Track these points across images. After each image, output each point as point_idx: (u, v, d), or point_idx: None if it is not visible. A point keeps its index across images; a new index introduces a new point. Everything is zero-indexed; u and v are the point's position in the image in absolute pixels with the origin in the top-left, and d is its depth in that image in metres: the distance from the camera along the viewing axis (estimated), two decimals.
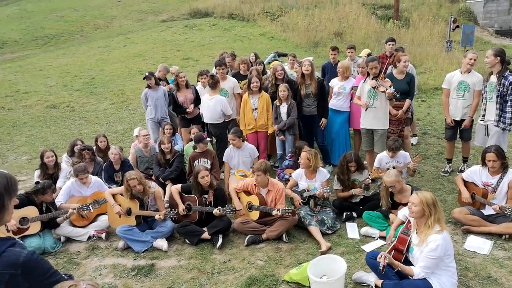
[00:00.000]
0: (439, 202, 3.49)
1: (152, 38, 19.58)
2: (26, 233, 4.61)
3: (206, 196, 4.91)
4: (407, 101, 5.90)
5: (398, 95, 5.44)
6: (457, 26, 15.11)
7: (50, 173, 5.67)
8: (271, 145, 6.75)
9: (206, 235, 4.66)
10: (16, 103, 12.34)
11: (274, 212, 4.56)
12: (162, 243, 4.61)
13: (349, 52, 7.70)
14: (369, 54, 7.89)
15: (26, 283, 1.60)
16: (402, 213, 4.02)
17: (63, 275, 1.75)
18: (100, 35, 22.56)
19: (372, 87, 5.55)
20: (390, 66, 7.04)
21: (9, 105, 12.23)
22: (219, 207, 4.73)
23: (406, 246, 3.55)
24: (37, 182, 5.20)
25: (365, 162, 5.87)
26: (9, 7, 30.11)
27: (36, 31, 23.15)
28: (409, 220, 3.67)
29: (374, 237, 4.57)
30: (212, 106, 6.24)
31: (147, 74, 6.95)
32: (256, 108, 6.23)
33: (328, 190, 4.89)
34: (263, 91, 6.30)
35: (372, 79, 5.61)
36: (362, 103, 5.68)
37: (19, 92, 13.28)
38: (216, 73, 6.67)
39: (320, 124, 6.11)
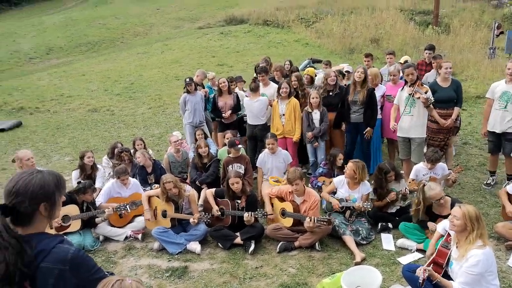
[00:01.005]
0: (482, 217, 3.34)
1: (188, 44, 20.03)
2: (67, 230, 4.82)
3: (239, 201, 4.95)
4: (456, 109, 5.69)
5: (433, 101, 5.28)
6: (502, 32, 14.45)
7: (88, 174, 5.89)
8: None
9: (238, 240, 4.69)
10: (60, 106, 12.96)
11: (307, 221, 4.49)
12: (195, 246, 4.69)
13: (388, 58, 7.56)
14: (406, 61, 7.70)
15: (73, 278, 1.67)
16: (442, 226, 3.88)
17: (106, 272, 1.82)
18: (139, 42, 23.34)
19: (408, 94, 5.43)
20: (428, 73, 6.87)
21: (54, 108, 12.87)
22: (250, 211, 4.75)
23: (446, 260, 3.42)
24: (78, 182, 5.45)
25: (401, 172, 5.72)
26: (55, 15, 31.77)
27: (80, 38, 24.26)
28: (449, 233, 3.53)
29: (411, 250, 4.44)
30: (257, 107, 6.35)
31: (187, 80, 7.11)
32: (284, 114, 6.24)
33: (369, 206, 4.77)
34: (292, 97, 6.30)
35: (409, 86, 5.48)
36: (391, 125, 5.63)
37: (63, 96, 13.94)
38: (257, 77, 6.79)
39: (364, 132, 5.98)
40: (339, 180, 5.08)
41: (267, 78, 6.83)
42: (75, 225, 4.86)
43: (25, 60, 21.36)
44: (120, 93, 13.83)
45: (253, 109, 6.41)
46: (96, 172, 5.91)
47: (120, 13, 29.21)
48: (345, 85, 6.72)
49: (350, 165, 4.90)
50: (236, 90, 7.29)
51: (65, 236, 1.81)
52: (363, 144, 6.17)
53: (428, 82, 6.51)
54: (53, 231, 4.58)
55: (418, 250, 4.39)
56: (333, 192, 5.09)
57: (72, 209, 4.84)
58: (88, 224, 5.02)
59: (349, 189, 4.97)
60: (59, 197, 1.77)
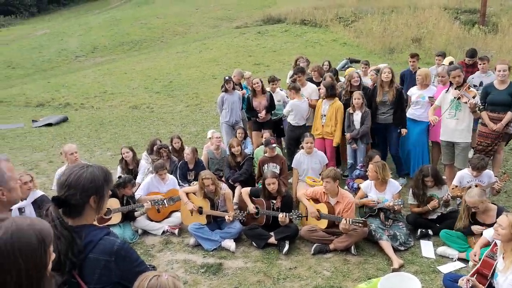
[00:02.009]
0: None
1: (226, 44, 20.24)
2: (108, 223, 5.01)
3: (274, 201, 4.95)
4: (508, 114, 5.39)
5: (481, 107, 5.05)
6: None
7: (130, 169, 6.12)
8: (342, 153, 6.63)
9: (272, 239, 4.69)
10: (103, 103, 13.50)
11: (342, 222, 4.43)
12: (230, 244, 4.74)
13: (437, 60, 7.32)
14: (451, 63, 7.39)
15: (117, 270, 1.74)
16: (489, 233, 3.70)
17: (148, 266, 1.88)
18: (178, 41, 23.85)
19: (454, 97, 5.21)
20: (474, 75, 6.57)
21: (97, 104, 13.43)
22: (284, 212, 4.74)
23: (491, 271, 3.26)
24: (119, 177, 5.66)
25: (444, 177, 5.51)
26: (101, 15, 33.11)
27: (122, 37, 25.13)
28: (495, 242, 3.37)
29: (452, 258, 4.26)
30: (305, 108, 6.38)
31: (227, 77, 7.19)
32: (325, 115, 6.18)
33: (400, 203, 4.66)
34: (336, 98, 6.21)
35: (455, 88, 5.27)
36: (430, 119, 5.44)
37: (106, 93, 14.51)
38: (293, 77, 6.82)
39: (398, 133, 5.85)
40: (367, 185, 5.00)
41: (304, 79, 6.79)
42: (116, 218, 5.05)
43: (72, 58, 22.41)
44: (160, 91, 14.20)
45: (301, 110, 6.39)
46: (138, 167, 6.11)
47: (161, 13, 29.97)
48: (373, 85, 6.55)
49: (370, 167, 4.87)
50: (277, 90, 7.28)
51: (111, 229, 1.89)
52: (391, 147, 6.04)
53: (474, 85, 6.23)
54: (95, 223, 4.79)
55: (460, 259, 4.22)
56: (365, 197, 5.00)
57: (113, 203, 5.03)
58: (128, 217, 5.20)
59: (377, 191, 4.87)
60: (107, 191, 1.86)
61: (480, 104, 5.06)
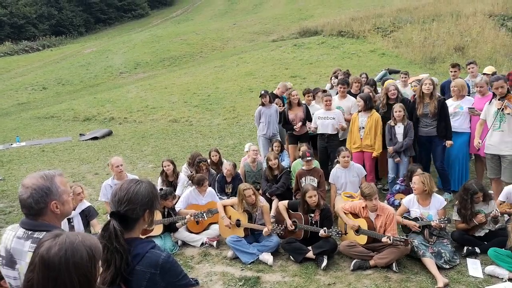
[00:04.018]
0: None
1: (262, 57, 20.50)
2: (151, 234, 5.17)
3: (312, 215, 4.92)
4: None
5: None
6: None
7: (170, 181, 6.30)
8: (381, 167, 6.48)
9: (310, 254, 4.64)
10: (145, 117, 14.05)
11: (384, 239, 4.34)
12: (267, 257, 4.74)
13: (469, 69, 7.05)
14: (494, 73, 7.07)
15: (162, 282, 1.81)
16: None
17: (191, 279, 1.94)
18: (216, 56, 24.47)
19: (498, 108, 4.99)
20: None
21: (139, 118, 14.00)
22: (325, 228, 4.69)
23: None
24: (160, 189, 5.84)
25: (490, 192, 5.25)
26: (143, 33, 34.68)
27: (163, 53, 26.16)
28: None
29: (502, 279, 4.03)
30: (330, 119, 6.36)
31: (262, 92, 7.29)
32: (363, 127, 6.09)
33: (446, 221, 4.48)
34: (373, 110, 6.13)
35: (498, 99, 5.04)
36: (475, 142, 5.26)
37: (148, 107, 15.10)
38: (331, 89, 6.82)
39: (443, 146, 5.66)
40: (409, 200, 4.83)
41: (346, 91, 6.77)
42: (158, 229, 5.21)
43: (116, 74, 23.57)
44: (198, 105, 14.58)
45: (325, 120, 6.41)
46: (178, 180, 6.28)
47: (200, 29, 30.93)
48: (413, 96, 6.38)
49: (416, 178, 4.67)
50: (313, 102, 7.29)
51: (156, 243, 1.97)
52: (437, 161, 5.82)
53: None
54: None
55: (510, 280, 3.98)
56: (406, 213, 4.84)
57: (155, 214, 5.19)
58: (169, 228, 5.34)
59: (420, 206, 4.70)
60: (157, 205, 1.96)
61: None
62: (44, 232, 1.86)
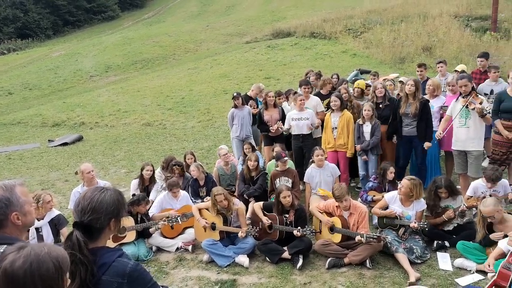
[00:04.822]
0: None
1: (236, 59, 20.48)
2: (123, 241, 5.06)
3: (287, 215, 4.94)
4: None
5: (487, 112, 5.04)
6: None
7: (146, 185, 6.17)
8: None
9: (286, 254, 4.66)
10: (117, 121, 13.75)
11: (357, 238, 4.41)
12: (243, 259, 4.73)
13: (438, 68, 7.27)
14: (462, 71, 7.34)
15: None
16: (504, 243, 3.62)
17: (161, 286, 1.90)
18: (190, 58, 24.24)
19: (463, 105, 5.18)
20: (483, 83, 6.51)
21: (111, 123, 13.68)
22: (299, 227, 4.72)
23: (509, 282, 3.19)
24: (133, 195, 5.73)
25: (458, 187, 5.43)
26: (114, 35, 33.94)
27: (135, 56, 25.68)
28: (511, 252, 3.30)
29: (470, 271, 4.17)
30: (304, 120, 6.37)
31: (235, 94, 7.27)
32: (336, 127, 6.17)
33: (425, 226, 4.59)
34: (345, 110, 6.22)
35: (463, 97, 5.24)
36: (437, 133, 5.44)
37: (120, 111, 14.79)
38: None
39: (423, 146, 5.77)
40: (391, 196, 4.91)
41: (309, 91, 6.82)
42: (130, 236, 5.10)
43: (86, 78, 22.95)
44: (172, 108, 14.40)
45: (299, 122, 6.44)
46: (153, 185, 6.17)
47: (172, 31, 30.58)
48: (398, 95, 6.54)
49: (406, 182, 4.70)
50: (285, 104, 7.32)
51: (124, 251, 1.92)
52: (417, 159, 5.94)
53: (485, 94, 6.18)
54: (110, 242, 4.84)
55: (478, 271, 4.12)
56: (385, 209, 4.92)
57: (127, 221, 5.09)
58: (142, 234, 5.24)
59: (402, 205, 4.79)
60: (123, 213, 1.91)
61: (486, 109, 5.02)
62: (5, 246, 1.78)
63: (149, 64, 24.35)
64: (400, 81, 7.17)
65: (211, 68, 19.69)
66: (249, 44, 24.14)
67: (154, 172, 6.24)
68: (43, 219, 4.87)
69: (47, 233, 4.87)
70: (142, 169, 6.14)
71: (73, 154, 10.51)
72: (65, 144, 11.54)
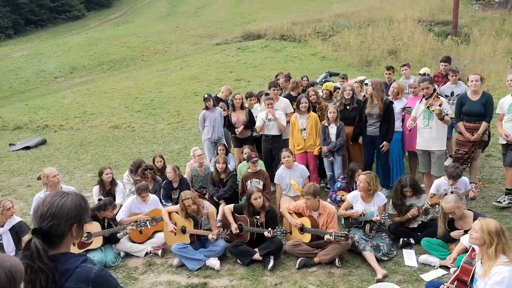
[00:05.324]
0: (506, 232, 3.24)
1: (206, 60, 20.37)
2: (89, 247, 4.91)
3: (258, 217, 4.95)
4: (483, 124, 5.55)
5: (444, 114, 5.28)
6: None
7: (107, 189, 5.98)
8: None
9: (257, 256, 4.67)
10: (83, 124, 13.34)
11: (326, 237, 4.48)
12: (214, 262, 4.70)
13: (403, 70, 7.52)
14: (425, 74, 7.63)
15: None
16: (466, 239, 3.78)
17: None
18: (159, 59, 23.87)
19: (425, 106, 5.39)
20: (443, 86, 6.79)
21: (77, 125, 13.26)
22: (269, 229, 4.75)
23: (470, 276, 3.33)
24: (99, 199, 5.56)
25: (422, 185, 5.63)
26: (79, 36, 32.94)
27: (102, 57, 25.02)
28: (473, 248, 3.45)
29: (434, 266, 4.33)
30: (274, 121, 6.41)
31: (206, 95, 7.22)
32: (304, 129, 6.25)
33: (387, 217, 4.73)
34: (311, 111, 6.32)
35: (426, 99, 5.45)
36: (408, 122, 5.62)
37: (86, 113, 14.36)
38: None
39: (381, 146, 5.93)
40: (353, 196, 5.04)
41: (278, 93, 6.88)
42: (97, 241, 4.95)
43: (50, 79, 22.15)
44: (141, 110, 14.13)
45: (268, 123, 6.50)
46: (115, 187, 6.00)
47: (141, 32, 30.02)
48: (364, 97, 6.70)
49: (363, 177, 4.87)
50: (256, 105, 7.34)
51: (88, 255, 1.86)
52: (380, 158, 6.12)
53: (446, 95, 6.44)
54: (75, 249, 4.68)
55: (441, 267, 4.28)
56: (349, 209, 5.04)
57: (94, 226, 4.94)
58: (110, 240, 5.10)
59: (364, 202, 4.93)
60: (86, 218, 1.84)
61: (445, 111, 5.25)
62: None
63: (116, 65, 23.79)
64: (365, 83, 7.34)
65: (181, 69, 19.49)
66: (220, 46, 24.08)
67: (113, 175, 6.05)
68: (3, 226, 4.65)
69: (8, 241, 4.66)
70: (100, 174, 5.93)
71: (36, 158, 10.11)
72: (27, 148, 11.08)
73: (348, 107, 6.37)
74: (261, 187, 5.59)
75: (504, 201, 5.45)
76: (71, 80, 21.88)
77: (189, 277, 4.56)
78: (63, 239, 1.77)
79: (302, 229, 4.81)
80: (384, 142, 5.89)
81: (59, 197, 1.77)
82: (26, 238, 4.71)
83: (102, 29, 36.47)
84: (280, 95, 7.03)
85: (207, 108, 7.18)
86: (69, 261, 1.74)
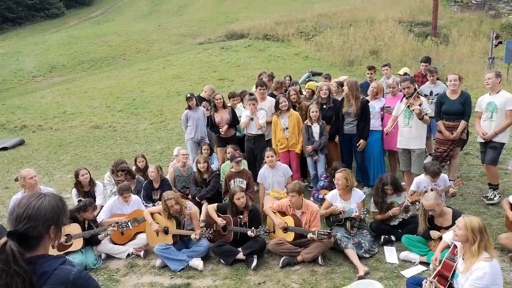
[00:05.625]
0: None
1: (189, 60, 20.23)
2: (69, 249, 4.81)
3: (241, 216, 4.94)
4: (462, 123, 5.67)
5: (426, 113, 5.39)
6: (500, 42, 14.53)
7: (86, 191, 5.84)
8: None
9: (241, 255, 4.66)
10: (63, 124, 13.07)
11: (309, 235, 4.51)
12: (197, 263, 4.67)
13: (384, 70, 7.63)
14: (405, 73, 7.76)
15: None
16: (448, 236, 3.85)
17: None
18: (141, 58, 23.59)
19: (406, 106, 5.49)
20: (423, 85, 6.93)
21: (56, 125, 12.98)
22: (253, 228, 4.74)
23: (452, 272, 3.40)
24: (79, 200, 5.45)
25: (403, 183, 5.72)
26: (58, 34, 32.25)
27: (82, 56, 24.57)
28: (455, 245, 3.52)
29: (414, 262, 4.40)
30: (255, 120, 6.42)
31: (188, 95, 7.16)
32: (287, 128, 6.27)
33: (365, 212, 4.80)
34: (291, 110, 6.35)
35: (406, 98, 5.55)
36: (386, 128, 5.75)
37: (65, 113, 14.07)
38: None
39: (357, 144, 6.02)
40: (332, 195, 5.10)
41: (266, 93, 6.89)
42: (77, 243, 4.86)
43: (28, 78, 21.63)
44: (122, 110, 13.93)
45: (251, 122, 6.49)
46: (95, 188, 5.89)
47: (122, 31, 29.61)
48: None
49: (339, 175, 4.92)
50: (239, 105, 7.32)
51: (67, 257, 1.82)
52: (357, 157, 6.21)
53: (425, 95, 6.56)
54: (55, 251, 4.58)
55: (421, 263, 4.36)
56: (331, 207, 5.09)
57: (73, 228, 4.84)
58: (90, 242, 5.00)
59: (342, 200, 4.99)
60: (65, 219, 1.80)
61: (425, 110, 5.35)
62: None
63: (97, 64, 23.41)
64: (338, 82, 7.39)
65: (164, 69, 19.31)
66: (203, 45, 23.96)
67: (90, 175, 5.93)
68: None
69: None
70: (76, 176, 5.79)
71: (14, 160, 9.85)
72: (4, 148, 10.78)
73: (324, 107, 6.44)
74: (244, 187, 5.58)
75: (494, 197, 5.62)
76: (50, 79, 21.42)
77: (172, 278, 4.52)
78: (40, 241, 1.72)
79: (286, 228, 4.82)
80: (361, 140, 5.98)
81: (36, 199, 1.73)
82: (2, 241, 4.58)
83: (82, 27, 35.79)
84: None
85: (190, 107, 7.13)
86: (47, 263, 1.70)
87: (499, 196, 5.58)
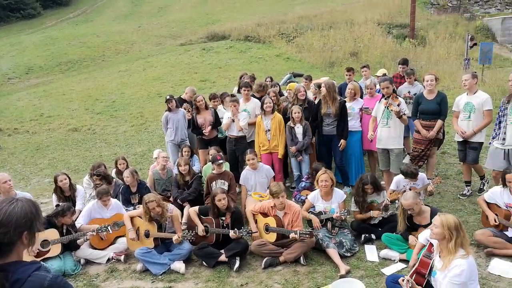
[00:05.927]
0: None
1: (170, 61, 20.06)
2: (47, 255, 4.69)
3: (223, 218, 4.92)
4: (439, 122, 5.81)
5: (404, 112, 5.51)
6: (475, 44, 14.96)
7: (67, 196, 5.71)
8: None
9: (223, 257, 4.65)
10: (40, 127, 12.76)
11: (291, 235, 4.53)
12: (179, 266, 4.63)
13: (363, 72, 7.74)
14: (384, 75, 7.90)
15: None
16: (423, 236, 3.93)
17: None
18: (121, 60, 23.25)
19: (385, 106, 5.59)
20: (401, 86, 7.09)
21: (33, 128, 12.66)
22: (235, 229, 4.73)
23: (429, 269, 3.46)
24: (57, 205, 5.33)
25: (382, 183, 5.81)
26: (35, 35, 31.47)
27: (60, 57, 24.04)
28: (431, 243, 3.59)
29: (394, 260, 4.48)
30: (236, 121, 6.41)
31: (168, 97, 7.11)
32: (269, 130, 6.29)
33: (346, 213, 4.84)
34: (276, 112, 6.37)
35: (385, 99, 5.65)
36: (368, 134, 5.89)
37: (43, 116, 13.74)
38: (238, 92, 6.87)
39: (339, 145, 6.09)
40: (313, 196, 5.13)
41: (250, 93, 6.91)
42: (55, 249, 4.74)
43: (3, 80, 21.02)
44: (102, 112, 13.70)
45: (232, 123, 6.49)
46: (75, 193, 5.77)
47: (101, 32, 29.13)
48: (315, 98, 6.83)
49: (324, 176, 4.95)
50: (220, 107, 7.30)
51: (42, 263, 1.77)
52: (336, 157, 6.29)
53: (403, 95, 6.70)
54: (31, 258, 4.46)
55: (401, 260, 4.44)
56: (312, 207, 5.12)
57: (51, 233, 4.73)
58: (69, 247, 4.89)
59: (324, 201, 5.03)
60: (39, 225, 1.76)
61: (404, 111, 5.46)
62: None
63: (75, 66, 22.95)
64: (317, 84, 7.46)
65: (144, 70, 19.09)
66: (184, 46, 23.79)
67: (70, 180, 5.80)
68: None
69: None
70: (56, 181, 5.66)
71: None
72: None
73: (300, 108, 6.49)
74: (226, 188, 5.57)
75: (468, 192, 5.86)
76: (26, 81, 20.88)
77: (153, 281, 4.47)
78: (12, 248, 1.68)
79: (267, 229, 4.83)
80: (342, 140, 6.06)
81: (7, 204, 1.68)
82: None
83: (60, 28, 35.04)
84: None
85: (169, 109, 7.07)
86: (21, 270, 1.66)
87: (487, 184, 5.81)
